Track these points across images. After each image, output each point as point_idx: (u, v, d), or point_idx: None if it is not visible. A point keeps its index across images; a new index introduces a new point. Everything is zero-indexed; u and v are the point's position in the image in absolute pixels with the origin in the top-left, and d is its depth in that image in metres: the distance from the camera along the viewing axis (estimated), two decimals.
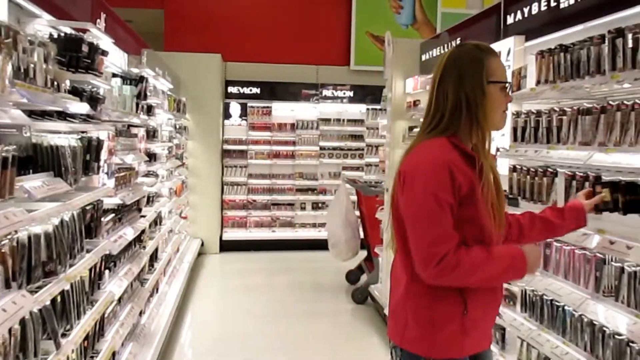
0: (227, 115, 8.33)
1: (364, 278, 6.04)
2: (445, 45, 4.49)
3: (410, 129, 4.82)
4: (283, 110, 8.52)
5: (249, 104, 8.38)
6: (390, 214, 1.83)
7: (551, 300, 2.67)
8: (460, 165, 1.66)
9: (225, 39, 8.31)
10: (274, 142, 8.42)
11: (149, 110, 4.66)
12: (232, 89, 8.34)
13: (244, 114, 8.38)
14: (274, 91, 8.41)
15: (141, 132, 4.27)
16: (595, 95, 2.57)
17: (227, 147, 8.27)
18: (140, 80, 4.09)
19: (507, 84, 1.77)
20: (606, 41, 2.32)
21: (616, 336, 2.21)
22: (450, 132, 1.72)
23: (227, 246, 7.98)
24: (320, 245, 7.31)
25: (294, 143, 8.45)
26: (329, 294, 6.04)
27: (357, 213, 6.21)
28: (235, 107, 8.37)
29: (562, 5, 2.91)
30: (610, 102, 2.34)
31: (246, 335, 4.75)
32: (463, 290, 1.68)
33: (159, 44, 7.94)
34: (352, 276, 6.30)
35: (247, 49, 8.37)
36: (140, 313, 3.92)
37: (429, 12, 8.89)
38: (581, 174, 2.49)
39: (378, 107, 7.86)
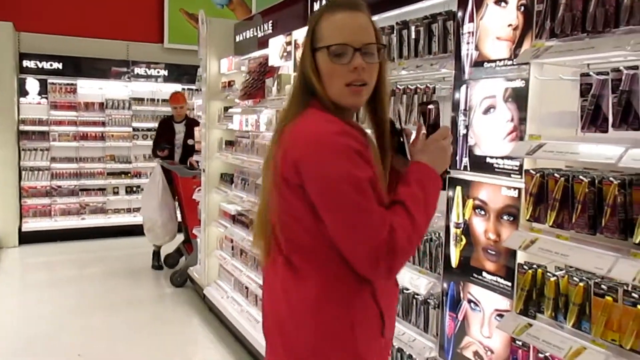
0: (23, 92, 7.46)
1: (182, 261, 5.96)
2: (259, 27, 4.57)
3: (226, 109, 4.84)
4: (90, 89, 7.89)
5: (49, 81, 7.59)
6: (267, 213, 1.44)
7: None
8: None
9: (18, 6, 7.38)
10: (81, 123, 7.78)
11: None
12: (29, 64, 7.47)
13: (44, 91, 7.58)
14: (79, 67, 7.74)
15: None
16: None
17: (24, 128, 7.41)
18: None
19: (333, 47, 1.34)
20: (395, 32, 2.60)
21: (405, 291, 2.53)
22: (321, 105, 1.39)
23: (28, 238, 7.21)
24: (135, 230, 7.01)
25: (103, 124, 7.90)
26: (146, 280, 5.84)
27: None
28: (32, 84, 7.53)
29: None
30: (398, 87, 2.64)
31: (54, 333, 4.38)
32: (379, 304, 1.39)
33: None
34: (170, 260, 6.17)
35: (45, 19, 7.54)
36: None
37: None
38: None
39: (194, 87, 7.71)
